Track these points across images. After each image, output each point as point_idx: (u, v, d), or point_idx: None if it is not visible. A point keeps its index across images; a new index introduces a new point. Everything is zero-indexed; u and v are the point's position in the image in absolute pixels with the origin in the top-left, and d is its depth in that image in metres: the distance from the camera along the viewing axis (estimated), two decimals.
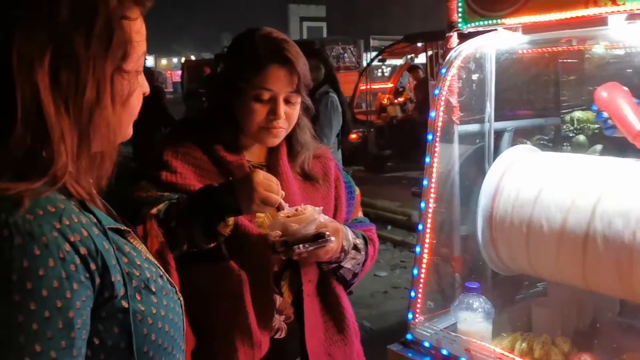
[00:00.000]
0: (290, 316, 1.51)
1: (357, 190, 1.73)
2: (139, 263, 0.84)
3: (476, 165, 2.17)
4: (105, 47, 0.80)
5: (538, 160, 2.04)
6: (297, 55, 1.45)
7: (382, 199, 6.99)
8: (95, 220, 0.80)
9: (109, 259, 0.78)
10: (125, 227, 0.86)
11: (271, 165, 1.53)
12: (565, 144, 4.50)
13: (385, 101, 9.74)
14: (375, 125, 9.55)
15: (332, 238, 1.37)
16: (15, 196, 0.73)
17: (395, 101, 9.73)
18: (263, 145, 1.54)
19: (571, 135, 4.85)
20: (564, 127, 4.95)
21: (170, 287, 0.88)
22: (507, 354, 1.78)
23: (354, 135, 9.04)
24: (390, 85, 10.43)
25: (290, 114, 1.48)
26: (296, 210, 1.35)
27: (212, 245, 1.33)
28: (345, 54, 10.28)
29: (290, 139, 1.55)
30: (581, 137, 3.96)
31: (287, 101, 1.46)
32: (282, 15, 27.37)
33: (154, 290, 0.84)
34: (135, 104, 0.89)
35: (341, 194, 1.62)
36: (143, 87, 0.90)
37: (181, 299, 0.91)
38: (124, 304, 0.79)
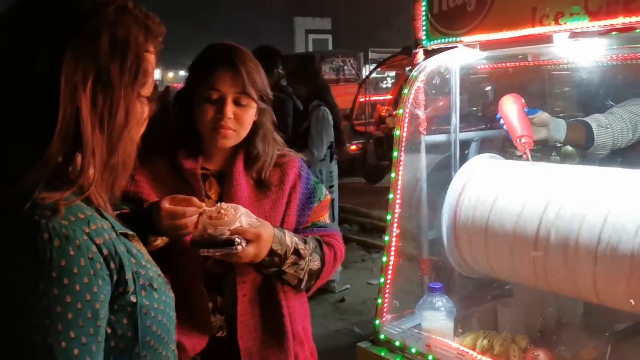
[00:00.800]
0: (231, 316, 1.60)
1: (326, 197, 1.78)
2: (143, 263, 0.97)
3: (443, 173, 2.30)
4: (134, 76, 0.94)
5: (500, 168, 2.16)
6: (245, 60, 1.58)
7: (378, 209, 7.09)
8: (110, 226, 0.93)
9: (124, 259, 0.91)
10: (130, 232, 0.99)
11: (226, 172, 1.64)
12: (553, 153, 4.62)
13: (384, 113, 9.87)
14: (374, 136, 9.69)
15: (242, 245, 1.41)
16: (52, 204, 0.85)
17: (394, 113, 9.85)
18: (216, 147, 1.63)
19: (559, 145, 4.98)
20: None
21: (165, 284, 1.01)
22: (463, 348, 1.90)
23: (353, 147, 9.18)
24: (389, 97, 10.59)
25: (240, 116, 1.58)
26: (218, 212, 1.42)
27: None
28: (345, 67, 10.46)
29: (248, 147, 1.65)
30: (569, 148, 4.07)
31: (238, 103, 1.57)
32: (288, 28, 27.54)
33: (155, 287, 0.96)
34: (144, 123, 1.05)
35: (294, 199, 1.68)
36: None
37: (172, 295, 1.03)
38: (133, 298, 0.91)
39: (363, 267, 5.89)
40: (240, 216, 1.43)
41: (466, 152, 2.41)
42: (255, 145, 1.65)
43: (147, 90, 1.00)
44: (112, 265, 0.88)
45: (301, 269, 1.58)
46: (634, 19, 1.54)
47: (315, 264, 1.63)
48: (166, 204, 1.41)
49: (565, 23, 1.69)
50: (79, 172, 0.89)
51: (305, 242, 1.62)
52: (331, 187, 4.59)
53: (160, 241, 1.47)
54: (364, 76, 10.86)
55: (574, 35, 1.71)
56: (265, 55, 4.58)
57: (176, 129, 1.65)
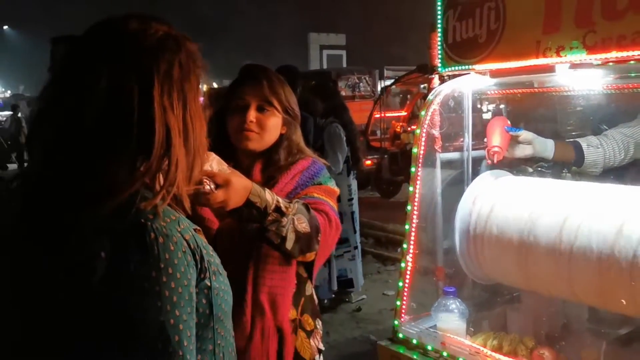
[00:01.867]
0: None
1: (331, 185, 1.88)
2: (211, 253, 1.15)
3: (457, 187, 2.51)
4: (196, 91, 1.15)
5: (507, 183, 2.37)
6: (268, 74, 1.83)
7: (393, 223, 7.30)
8: (188, 224, 1.11)
9: (203, 251, 1.10)
10: (198, 227, 1.16)
11: (247, 172, 1.79)
12: (564, 171, 4.83)
13: (398, 129, 10.08)
14: (389, 152, 9.89)
15: (210, 186, 1.49)
16: (152, 209, 1.03)
17: (409, 129, 10.06)
18: (242, 150, 1.82)
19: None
20: None
21: (224, 272, 1.19)
22: (476, 346, 2.10)
23: (368, 162, 9.39)
24: (404, 113, 10.80)
25: (262, 120, 1.79)
26: None
27: None
28: (361, 84, 10.70)
29: (271, 154, 1.84)
30: None
31: (261, 110, 1.80)
32: (303, 44, 27.86)
33: (221, 272, 1.16)
34: None
35: (291, 182, 1.81)
36: None
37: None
38: (208, 283, 1.10)
39: (379, 278, 6.09)
40: (212, 161, 1.53)
41: (478, 168, 2.62)
42: (277, 152, 1.85)
43: None
44: (197, 257, 1.08)
45: (283, 226, 1.62)
46: (625, 53, 1.76)
47: (303, 225, 1.66)
48: None
49: (565, 55, 1.91)
50: (166, 180, 1.07)
51: (289, 202, 1.67)
52: (350, 200, 4.79)
53: None
54: (379, 93, 11.11)
55: (574, 66, 1.93)
56: (286, 74, 4.82)
57: (213, 139, 1.86)
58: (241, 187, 1.55)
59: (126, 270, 0.98)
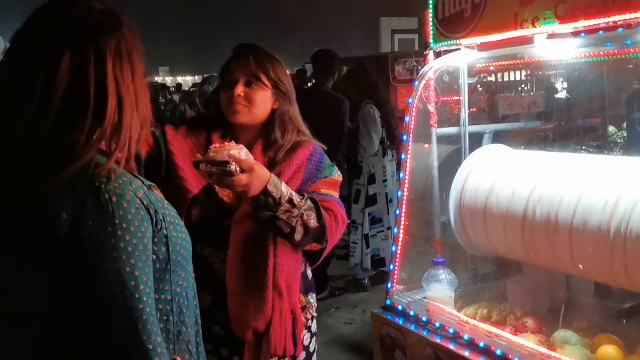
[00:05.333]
0: None
1: (336, 176, 1.95)
2: (166, 206, 1.29)
3: (455, 162, 2.54)
4: (140, 63, 1.25)
5: (501, 157, 2.38)
6: (256, 51, 1.89)
7: None
8: (141, 182, 1.24)
9: (157, 205, 1.23)
10: (152, 184, 1.29)
11: None
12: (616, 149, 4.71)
13: (457, 112, 9.92)
14: None
15: (237, 168, 1.59)
16: (106, 173, 1.18)
17: (468, 111, 9.88)
18: (234, 125, 1.90)
19: (619, 141, 5.07)
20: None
21: (181, 220, 1.33)
22: (455, 312, 2.15)
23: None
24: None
25: (250, 94, 1.84)
26: (223, 143, 1.66)
27: None
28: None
29: (267, 133, 1.89)
30: None
31: (249, 84, 1.85)
32: (374, 28, 27.68)
33: (177, 222, 1.30)
34: None
35: (297, 176, 1.86)
36: None
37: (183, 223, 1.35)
38: (165, 232, 1.24)
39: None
40: (240, 150, 1.64)
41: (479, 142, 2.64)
42: (273, 130, 1.89)
43: None
44: (151, 211, 1.21)
45: (294, 217, 1.74)
46: (592, 21, 1.76)
47: (312, 220, 1.77)
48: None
49: (540, 26, 1.92)
50: (117, 144, 1.21)
51: (301, 197, 1.77)
52: (384, 181, 4.82)
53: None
54: None
55: (550, 36, 1.93)
56: (322, 58, 4.93)
57: (214, 115, 1.96)
58: (262, 176, 1.69)
59: (86, 227, 1.13)
